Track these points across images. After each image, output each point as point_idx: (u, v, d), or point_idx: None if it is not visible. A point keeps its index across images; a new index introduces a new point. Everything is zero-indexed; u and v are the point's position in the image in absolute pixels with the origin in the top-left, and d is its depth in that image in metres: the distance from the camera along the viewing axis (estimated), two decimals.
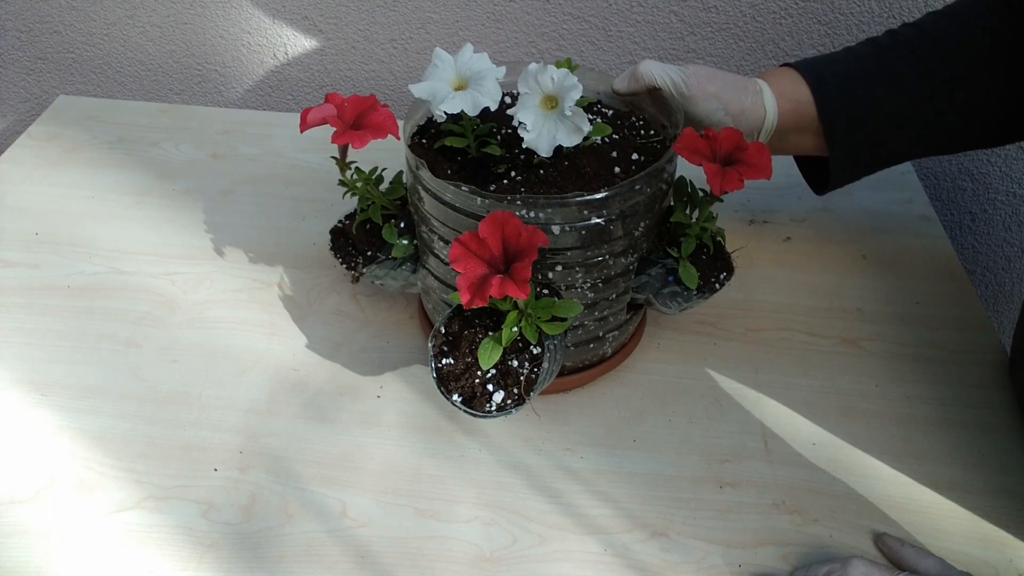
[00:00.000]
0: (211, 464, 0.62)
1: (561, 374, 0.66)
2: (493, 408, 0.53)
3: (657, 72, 0.63)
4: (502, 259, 0.53)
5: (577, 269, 0.58)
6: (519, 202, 0.55)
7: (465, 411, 0.54)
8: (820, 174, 0.73)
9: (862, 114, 0.66)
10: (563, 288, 0.59)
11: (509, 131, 0.63)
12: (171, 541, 0.57)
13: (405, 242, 0.64)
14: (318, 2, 0.97)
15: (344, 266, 0.66)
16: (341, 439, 0.64)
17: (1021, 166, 0.97)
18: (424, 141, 0.63)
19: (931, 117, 0.66)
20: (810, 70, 0.66)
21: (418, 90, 0.57)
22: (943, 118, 0.66)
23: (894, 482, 0.61)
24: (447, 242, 0.59)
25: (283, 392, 0.68)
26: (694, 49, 0.95)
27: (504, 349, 0.55)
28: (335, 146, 0.60)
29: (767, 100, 0.65)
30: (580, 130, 0.55)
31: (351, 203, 0.68)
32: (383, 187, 0.67)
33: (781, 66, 0.69)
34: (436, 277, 0.64)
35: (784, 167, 0.92)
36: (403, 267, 0.66)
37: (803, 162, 0.76)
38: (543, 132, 0.56)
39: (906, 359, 0.71)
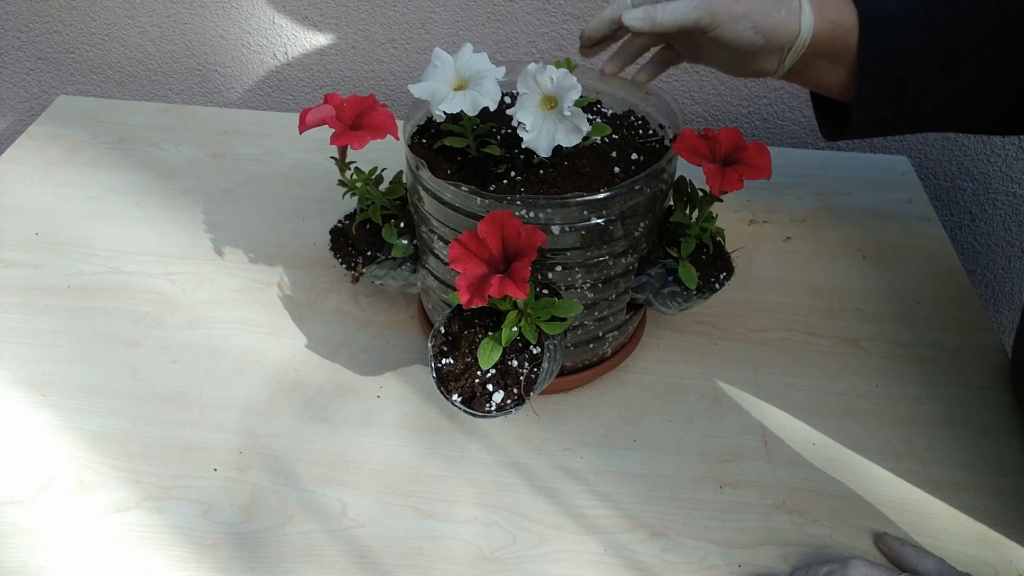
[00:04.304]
0: (211, 464, 0.62)
1: (561, 374, 0.66)
2: (493, 408, 0.53)
3: (682, 14, 0.57)
4: (501, 259, 0.53)
5: (577, 269, 0.58)
6: (519, 202, 0.55)
7: (465, 411, 0.54)
8: (837, 119, 0.68)
9: (899, 62, 0.61)
10: (563, 288, 0.59)
11: (509, 131, 0.63)
12: (171, 541, 0.57)
13: (405, 242, 0.64)
14: (318, 2, 0.97)
15: (344, 266, 0.66)
16: (341, 439, 0.64)
17: (1021, 166, 0.97)
18: (424, 141, 0.63)
19: (959, 82, 0.62)
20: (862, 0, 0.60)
21: (418, 90, 0.57)
22: (971, 86, 0.62)
23: (894, 482, 0.61)
24: (447, 242, 0.59)
25: (283, 392, 0.68)
26: None
27: (504, 349, 0.55)
28: (335, 146, 0.60)
29: (804, 17, 0.59)
30: (579, 130, 0.55)
31: (351, 203, 0.68)
32: (383, 187, 0.67)
33: None
34: (436, 277, 0.64)
35: (784, 167, 0.93)
36: (403, 267, 0.66)
37: (819, 102, 0.70)
38: (542, 132, 0.56)
39: (906, 359, 0.71)
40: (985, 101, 0.64)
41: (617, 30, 0.62)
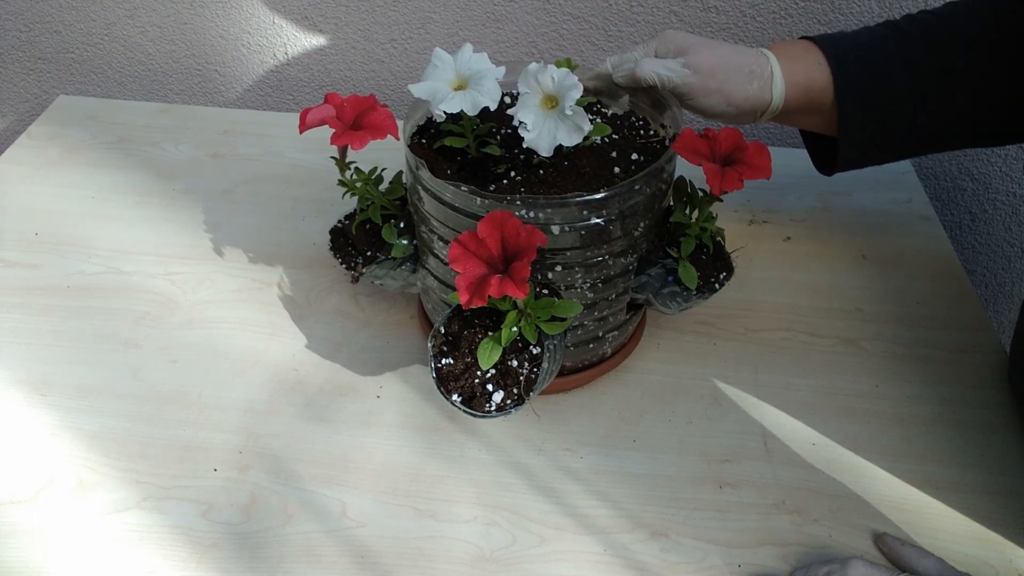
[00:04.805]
0: (211, 464, 0.62)
1: (561, 374, 0.66)
2: (493, 408, 0.53)
3: (657, 75, 0.62)
4: (501, 259, 0.53)
5: (577, 269, 0.58)
6: (519, 202, 0.55)
7: (465, 411, 0.54)
8: (826, 153, 0.71)
9: (877, 104, 0.64)
10: (563, 288, 0.59)
11: (509, 131, 0.63)
12: (171, 541, 0.57)
13: (405, 242, 0.64)
14: (318, 2, 0.97)
15: (344, 266, 0.66)
16: (341, 439, 0.64)
17: (1021, 166, 0.97)
18: (424, 141, 0.63)
19: (944, 112, 0.64)
20: (834, 51, 0.63)
21: (418, 90, 0.57)
22: (955, 114, 0.64)
23: (894, 482, 0.61)
24: (447, 242, 0.59)
25: (283, 392, 0.68)
26: None
27: (504, 349, 0.55)
28: (335, 146, 0.60)
29: (775, 87, 0.62)
30: (580, 130, 0.55)
31: (351, 203, 0.68)
32: (383, 187, 0.67)
33: (801, 38, 0.66)
34: (436, 277, 0.64)
35: (784, 167, 0.93)
36: (403, 267, 0.66)
37: (809, 138, 0.74)
38: (543, 132, 0.56)
39: (906, 359, 0.71)
40: (968, 123, 0.66)
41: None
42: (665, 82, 0.62)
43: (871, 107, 0.64)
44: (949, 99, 0.64)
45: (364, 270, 0.65)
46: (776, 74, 0.63)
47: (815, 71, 0.63)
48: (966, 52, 0.62)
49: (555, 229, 0.56)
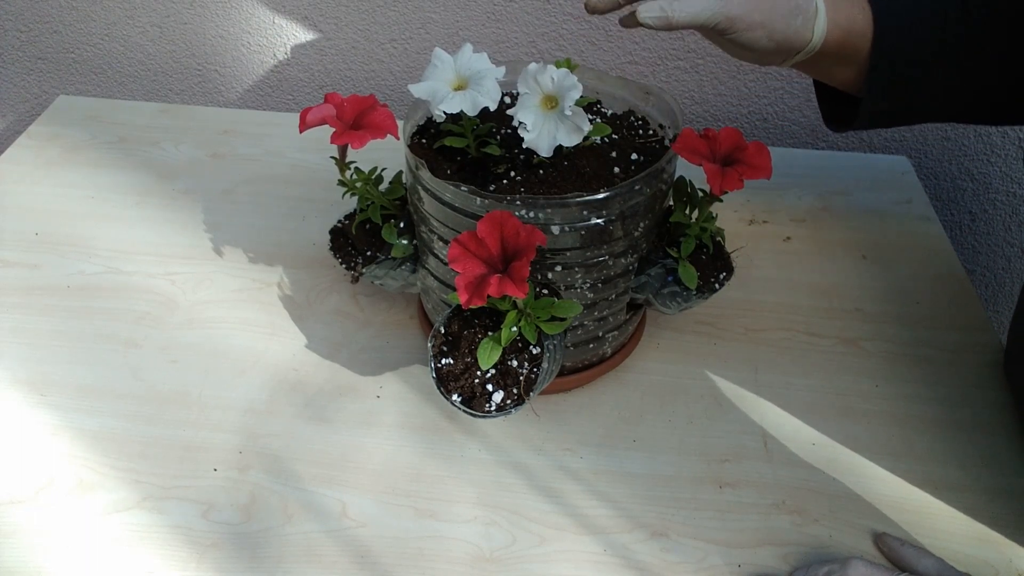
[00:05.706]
0: (211, 464, 0.62)
1: (561, 374, 0.66)
2: (493, 408, 0.53)
3: (693, 18, 0.57)
4: (500, 259, 0.53)
5: (577, 269, 0.58)
6: (519, 202, 0.55)
7: (465, 411, 0.54)
8: (840, 109, 0.69)
9: (910, 64, 0.62)
10: (563, 288, 0.59)
11: (509, 131, 0.63)
12: (170, 541, 0.57)
13: (405, 242, 0.64)
14: (318, 2, 0.97)
15: (344, 266, 0.66)
16: (341, 439, 0.64)
17: (1021, 166, 0.97)
18: (424, 141, 0.63)
19: (972, 80, 0.62)
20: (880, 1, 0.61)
21: (418, 90, 0.57)
22: (983, 85, 0.62)
23: (894, 482, 0.61)
24: (447, 242, 0.59)
25: (283, 392, 0.68)
26: (694, 49, 0.95)
27: (503, 349, 0.55)
28: (335, 146, 0.60)
29: (818, 25, 0.59)
30: (580, 130, 0.55)
31: (351, 203, 0.68)
32: (383, 187, 0.67)
33: None
34: (436, 277, 0.64)
35: (784, 166, 0.93)
36: (403, 267, 0.66)
37: (823, 92, 0.71)
38: (543, 132, 0.56)
39: (906, 359, 0.71)
40: (992, 97, 0.64)
41: (623, 5, 0.61)
42: (706, 18, 0.57)
43: (902, 66, 0.62)
44: (976, 69, 0.62)
45: (364, 270, 0.65)
46: (821, 11, 0.60)
47: (858, 17, 0.61)
48: (997, 22, 0.60)
49: (555, 229, 0.56)
